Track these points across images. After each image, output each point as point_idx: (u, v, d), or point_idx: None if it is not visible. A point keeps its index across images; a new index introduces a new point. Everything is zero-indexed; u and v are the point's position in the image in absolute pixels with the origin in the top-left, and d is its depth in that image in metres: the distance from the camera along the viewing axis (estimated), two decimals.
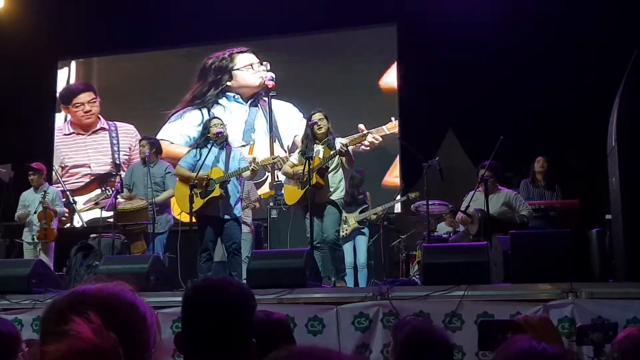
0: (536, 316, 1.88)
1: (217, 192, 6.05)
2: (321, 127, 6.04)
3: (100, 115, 10.47)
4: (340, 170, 6.05)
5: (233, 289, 1.81)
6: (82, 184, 10.12)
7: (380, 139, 9.21)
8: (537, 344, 1.52)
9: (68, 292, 1.25)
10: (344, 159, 5.95)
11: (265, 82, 9.89)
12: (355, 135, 6.09)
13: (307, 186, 5.76)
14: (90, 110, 10.48)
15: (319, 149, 6.01)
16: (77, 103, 10.56)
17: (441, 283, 4.62)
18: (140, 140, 7.21)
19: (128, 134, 10.20)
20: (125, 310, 1.18)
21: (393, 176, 9.11)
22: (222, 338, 1.72)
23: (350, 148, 5.96)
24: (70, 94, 10.66)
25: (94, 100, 10.52)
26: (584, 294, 4.38)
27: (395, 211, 8.54)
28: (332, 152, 5.89)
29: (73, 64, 10.81)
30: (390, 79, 9.41)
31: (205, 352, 1.74)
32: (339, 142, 5.98)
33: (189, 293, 1.86)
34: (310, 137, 6.05)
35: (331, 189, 5.99)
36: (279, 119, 9.79)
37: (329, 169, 5.99)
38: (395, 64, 9.36)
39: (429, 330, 2.36)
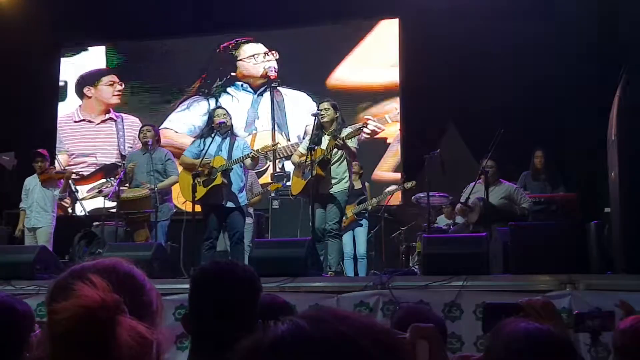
0: (539, 300, 1.93)
1: (219, 180, 6.09)
2: (324, 117, 6.10)
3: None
4: (345, 161, 6.11)
5: (240, 271, 1.86)
6: (88, 172, 10.17)
7: (384, 128, 9.25)
8: (530, 325, 1.58)
9: (67, 270, 1.32)
10: (346, 150, 6.00)
11: (268, 73, 9.93)
12: (353, 129, 6.12)
13: (310, 177, 5.84)
14: (121, 91, 10.53)
15: (325, 140, 6.08)
16: (110, 81, 10.58)
17: (441, 273, 4.68)
18: (143, 127, 7.21)
19: (133, 126, 10.23)
20: (122, 276, 1.25)
21: (384, 170, 9.17)
22: (229, 319, 1.78)
23: (349, 142, 5.97)
24: (98, 74, 10.69)
25: (120, 83, 10.58)
26: (582, 285, 4.43)
27: (396, 203, 8.59)
28: (327, 145, 5.96)
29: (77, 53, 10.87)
30: (392, 71, 9.45)
31: (211, 332, 1.79)
32: (346, 131, 6.01)
33: (197, 275, 1.91)
34: (319, 126, 6.11)
35: (334, 180, 6.05)
36: (290, 109, 9.80)
37: (332, 161, 6.05)
38: (398, 57, 9.40)
39: (423, 312, 2.41)
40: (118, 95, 10.52)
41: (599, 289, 4.39)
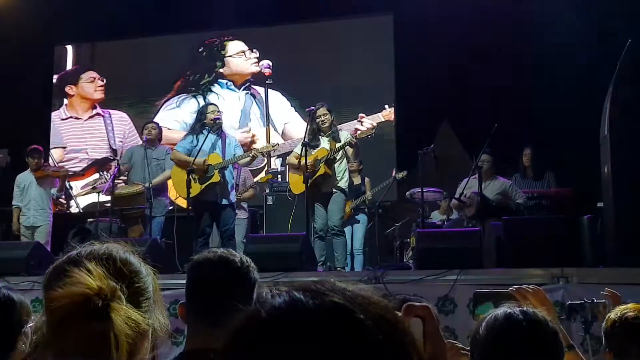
0: (529, 288, 1.95)
1: (216, 177, 6.13)
2: (325, 122, 6.29)
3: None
4: (344, 160, 6.33)
5: (237, 260, 1.88)
6: (80, 168, 10.15)
7: (376, 125, 9.26)
8: (511, 308, 1.61)
9: (64, 256, 1.32)
10: (351, 150, 6.23)
11: (262, 70, 9.92)
12: (364, 129, 6.34)
13: (314, 176, 5.94)
14: (102, 85, 10.50)
15: (324, 141, 6.27)
16: (90, 77, 10.57)
17: (434, 267, 4.71)
18: (148, 123, 7.25)
19: (122, 121, 10.23)
20: (119, 262, 1.25)
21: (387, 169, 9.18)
22: (226, 306, 1.79)
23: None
24: (76, 72, 10.67)
25: (101, 78, 10.55)
26: (574, 279, 4.47)
27: (391, 199, 8.59)
28: (341, 143, 6.16)
29: (68, 50, 10.84)
30: (386, 68, 9.45)
31: (208, 320, 1.80)
32: (344, 134, 6.29)
33: (195, 263, 1.91)
34: (315, 131, 6.24)
35: (337, 178, 6.24)
36: (272, 106, 9.84)
37: (335, 160, 6.24)
38: (392, 53, 9.40)
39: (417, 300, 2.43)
40: (101, 89, 10.50)
41: (592, 283, 4.43)
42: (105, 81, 10.48)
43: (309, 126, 6.34)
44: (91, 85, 10.54)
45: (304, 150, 6.02)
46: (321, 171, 6.09)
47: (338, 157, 6.27)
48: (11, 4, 9.68)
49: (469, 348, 1.77)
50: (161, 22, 9.94)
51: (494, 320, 1.61)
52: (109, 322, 1.14)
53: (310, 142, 6.22)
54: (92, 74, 10.58)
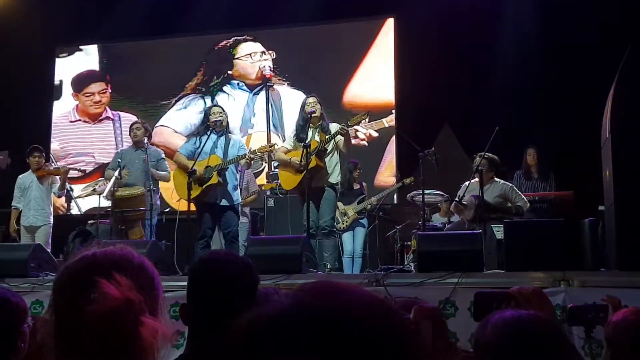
0: (529, 288, 1.94)
1: (214, 179, 6.10)
2: (315, 111, 6.10)
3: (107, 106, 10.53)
4: (336, 154, 6.13)
5: (239, 261, 1.87)
6: (86, 171, 10.15)
7: (377, 134, 9.25)
8: (517, 312, 1.60)
9: (77, 257, 1.28)
10: (341, 141, 6.00)
11: (263, 72, 9.92)
12: (356, 116, 6.15)
13: (304, 172, 5.84)
14: (100, 101, 10.54)
15: (314, 133, 6.09)
16: (88, 92, 10.62)
17: (436, 270, 4.69)
18: (133, 124, 7.13)
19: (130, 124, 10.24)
20: (136, 270, 1.23)
21: (386, 175, 9.16)
22: (227, 308, 1.78)
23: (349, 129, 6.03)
24: (82, 82, 10.70)
25: (104, 90, 10.56)
26: (576, 282, 4.45)
27: (392, 202, 8.60)
28: (332, 133, 5.94)
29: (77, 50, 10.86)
30: (387, 71, 9.45)
31: (210, 322, 1.80)
32: (334, 126, 6.07)
33: (197, 265, 1.91)
34: (306, 120, 6.11)
35: (328, 172, 6.07)
36: (288, 108, 9.74)
37: (327, 152, 6.06)
38: (393, 56, 9.41)
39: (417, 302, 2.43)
40: (97, 105, 10.49)
41: (593, 286, 4.41)
42: (108, 92, 10.46)
43: (298, 119, 6.20)
44: (88, 99, 10.54)
45: (304, 150, 5.90)
46: (312, 163, 5.83)
47: (329, 150, 6.05)
48: (13, 5, 9.68)
49: (472, 351, 1.76)
50: (173, 24, 9.95)
51: (502, 323, 1.60)
52: (137, 336, 1.12)
53: (299, 135, 6.03)
54: (93, 87, 10.56)
